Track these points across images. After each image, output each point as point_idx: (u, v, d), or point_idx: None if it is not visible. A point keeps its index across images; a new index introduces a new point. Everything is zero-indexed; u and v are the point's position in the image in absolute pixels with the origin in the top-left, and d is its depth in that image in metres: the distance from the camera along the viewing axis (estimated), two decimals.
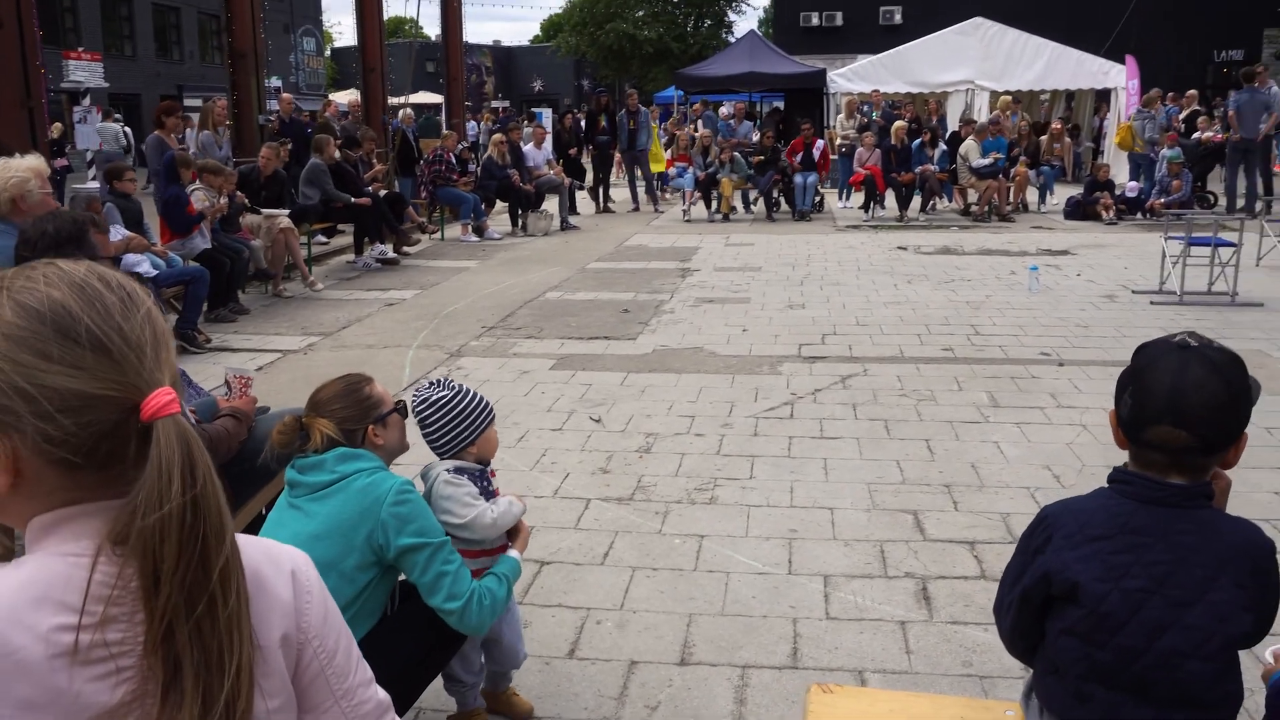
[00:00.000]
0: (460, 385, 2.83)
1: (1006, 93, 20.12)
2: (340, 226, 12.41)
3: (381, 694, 1.30)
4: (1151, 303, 9.07)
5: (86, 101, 25.59)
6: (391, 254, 12.11)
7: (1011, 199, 16.21)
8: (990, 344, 7.54)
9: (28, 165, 4.03)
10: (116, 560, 1.04)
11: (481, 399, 2.83)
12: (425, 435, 2.81)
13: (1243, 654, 1.78)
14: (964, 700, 2.15)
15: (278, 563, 1.19)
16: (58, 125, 24.61)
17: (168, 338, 1.12)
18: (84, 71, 26.70)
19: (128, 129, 25.40)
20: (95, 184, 19.20)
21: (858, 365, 7.00)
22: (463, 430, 2.78)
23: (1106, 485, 1.81)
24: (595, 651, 3.38)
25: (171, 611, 1.02)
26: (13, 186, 3.90)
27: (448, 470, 2.75)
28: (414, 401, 2.80)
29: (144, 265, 7.59)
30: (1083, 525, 1.75)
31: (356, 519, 2.40)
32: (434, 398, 2.77)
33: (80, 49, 29.19)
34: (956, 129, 17.20)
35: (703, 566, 4.00)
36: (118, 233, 7.68)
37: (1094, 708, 1.74)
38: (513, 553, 2.73)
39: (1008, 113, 17.41)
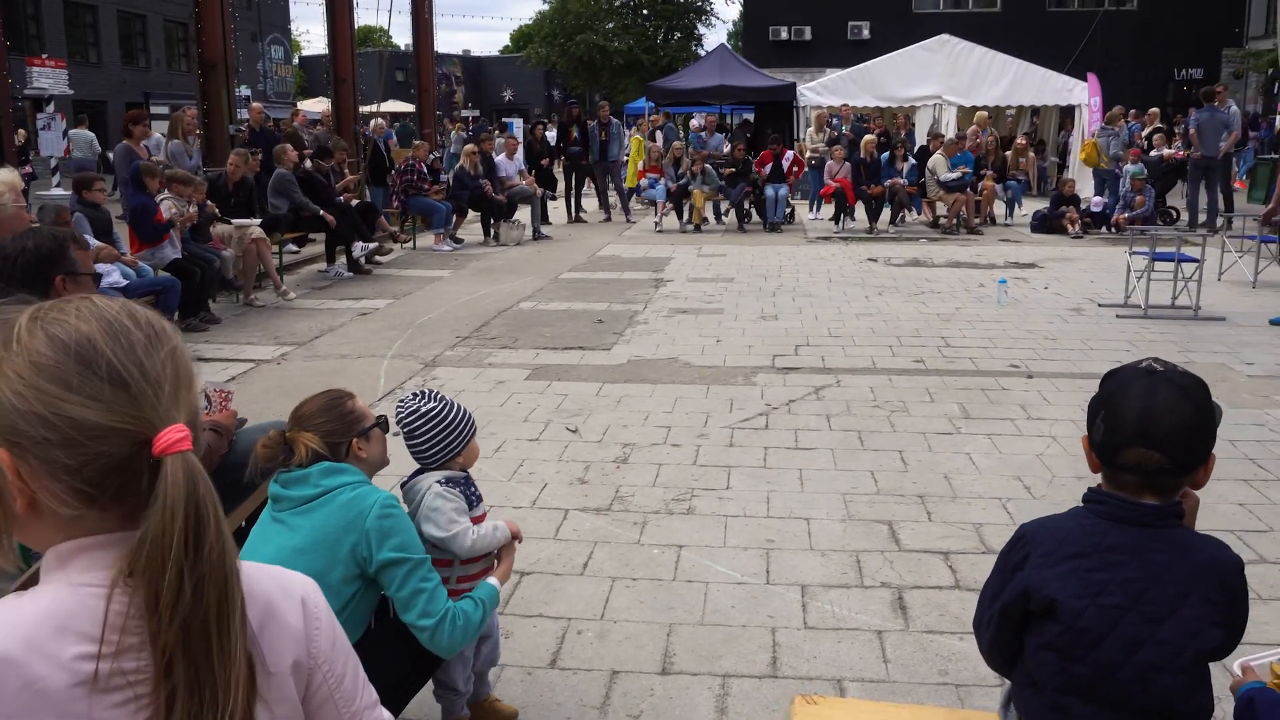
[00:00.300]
0: (443, 396, 2.85)
1: (978, 108, 20.40)
2: (311, 235, 12.36)
3: (386, 716, 1.32)
4: (1117, 316, 9.22)
5: (51, 108, 25.34)
6: (371, 250, 12.02)
7: (979, 212, 16.41)
8: (961, 356, 7.64)
9: (2, 179, 4.00)
10: (130, 590, 1.06)
11: (465, 410, 2.86)
12: (413, 446, 2.82)
13: (1213, 666, 1.83)
14: (944, 711, 2.20)
15: (288, 591, 1.22)
16: (21, 132, 24.33)
17: (190, 376, 1.15)
18: (48, 78, 26.44)
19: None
20: (60, 190, 19.00)
21: (831, 376, 7.07)
22: (451, 441, 2.81)
23: (1081, 505, 1.86)
24: (577, 661, 3.40)
25: (170, 645, 1.04)
26: None
27: (439, 482, 2.77)
28: (400, 413, 2.81)
29: (114, 275, 7.53)
30: (1060, 543, 1.81)
31: (341, 532, 2.41)
32: (422, 409, 2.78)
33: (44, 55, 28.91)
34: (925, 143, 17.39)
35: (681, 576, 4.03)
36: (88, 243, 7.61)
37: (1071, 719, 1.79)
38: (492, 580, 2.72)
39: (981, 128, 17.62)
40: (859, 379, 6.99)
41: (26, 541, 1.11)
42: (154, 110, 29.09)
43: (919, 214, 16.83)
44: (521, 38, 60.57)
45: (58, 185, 20.21)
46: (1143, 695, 1.73)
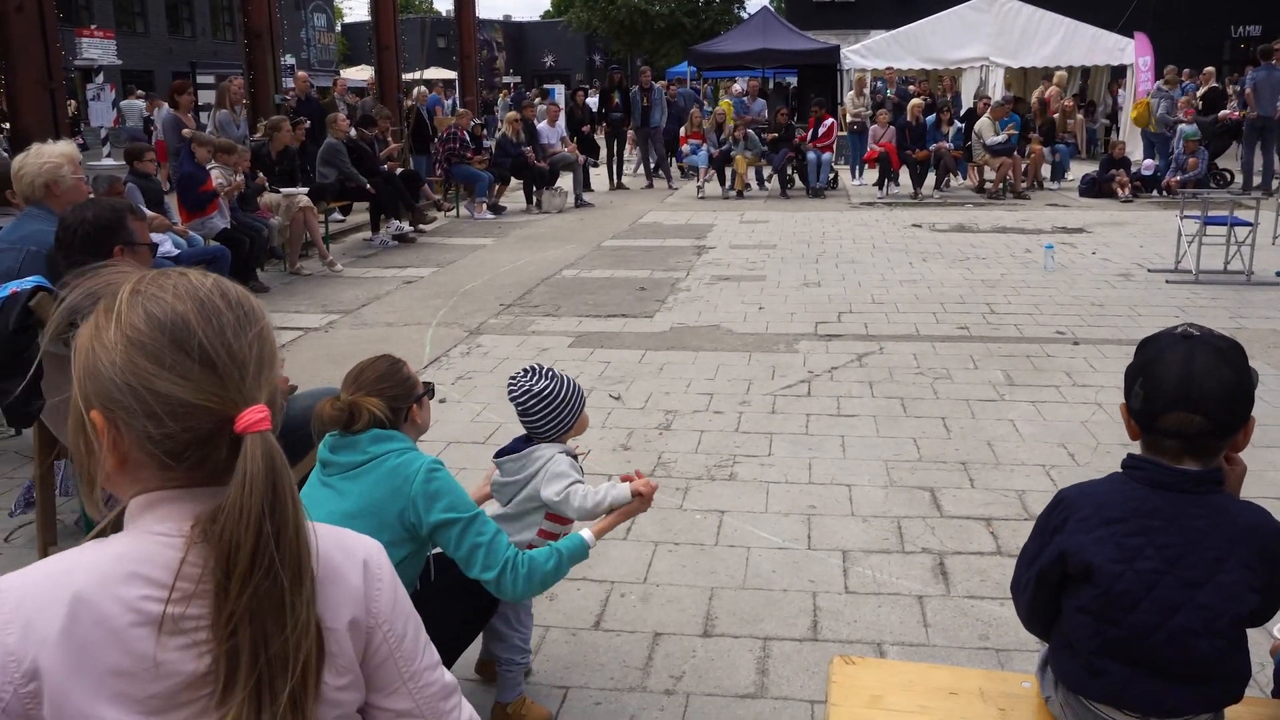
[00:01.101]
0: (553, 372, 2.88)
1: (1026, 69, 20.01)
2: (356, 204, 12.48)
3: (448, 677, 1.36)
4: (1167, 281, 9.08)
5: (100, 79, 25.71)
6: (409, 230, 12.17)
7: (1026, 176, 16.17)
8: (1005, 322, 7.58)
9: (60, 151, 4.09)
10: (202, 543, 1.13)
11: (574, 385, 2.89)
12: (527, 421, 2.85)
13: (1252, 631, 1.85)
14: (982, 672, 2.23)
15: (350, 552, 1.27)
16: (71, 103, 24.71)
17: (274, 357, 1.21)
18: (97, 49, 26.84)
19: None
20: (110, 161, 19.30)
21: (874, 343, 7.06)
22: (564, 417, 2.85)
23: (1120, 470, 1.88)
24: (620, 623, 3.47)
25: (239, 614, 1.10)
26: (46, 172, 3.96)
27: (562, 453, 2.82)
28: (512, 391, 2.84)
29: (166, 245, 7.67)
30: (1099, 508, 1.83)
31: (388, 498, 2.47)
32: (535, 389, 2.82)
33: (93, 26, 29.29)
34: (971, 106, 17.14)
35: (723, 541, 4.08)
36: None
37: (1107, 681, 1.82)
38: (585, 532, 2.68)
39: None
40: (902, 346, 6.97)
41: (114, 491, 1.18)
42: (200, 79, 29.37)
43: (964, 178, 16.63)
44: (562, 2, 60.24)
45: (108, 155, 20.51)
46: (1179, 659, 1.75)
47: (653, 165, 17.84)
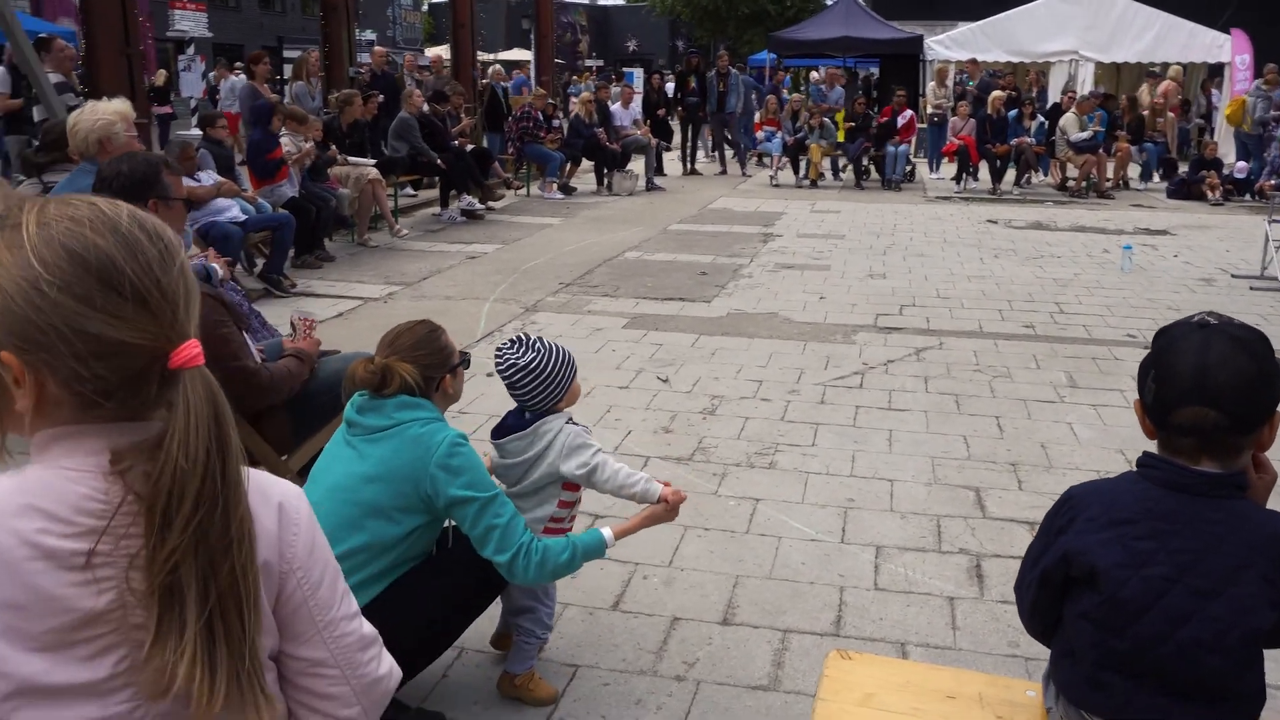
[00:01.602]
0: (539, 343, 2.79)
1: (1118, 64, 19.34)
2: (426, 179, 12.57)
3: (368, 628, 1.32)
4: (1251, 288, 8.71)
5: (190, 50, 26.33)
6: (478, 207, 12.23)
7: (1111, 175, 15.67)
8: (1074, 323, 7.33)
9: (114, 109, 4.15)
10: (111, 479, 1.10)
11: (565, 353, 2.80)
12: (516, 395, 2.78)
13: (1274, 654, 1.72)
14: (986, 677, 2.12)
15: (266, 494, 1.23)
16: (162, 73, 25.33)
17: (196, 291, 1.18)
18: (189, 21, 27.48)
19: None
20: (198, 131, 19.79)
21: (934, 338, 6.88)
22: (552, 389, 2.76)
23: (1134, 469, 1.75)
24: (639, 606, 3.41)
25: (180, 551, 1.08)
26: (100, 129, 4.02)
27: (569, 423, 2.79)
28: (499, 364, 2.76)
29: (233, 210, 7.80)
30: (1107, 508, 1.71)
31: (407, 467, 2.44)
32: (520, 363, 2.71)
33: None
34: (1057, 101, 16.63)
35: (755, 530, 4.00)
36: (210, 178, 7.90)
37: (1110, 695, 1.70)
38: (606, 531, 2.65)
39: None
40: (963, 342, 6.78)
41: (15, 431, 1.14)
42: (286, 54, 29.83)
43: (1046, 175, 16.18)
44: None
45: (196, 125, 20.98)
46: (1186, 673, 1.63)
47: (728, 151, 17.68)
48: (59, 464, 1.10)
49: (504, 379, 2.77)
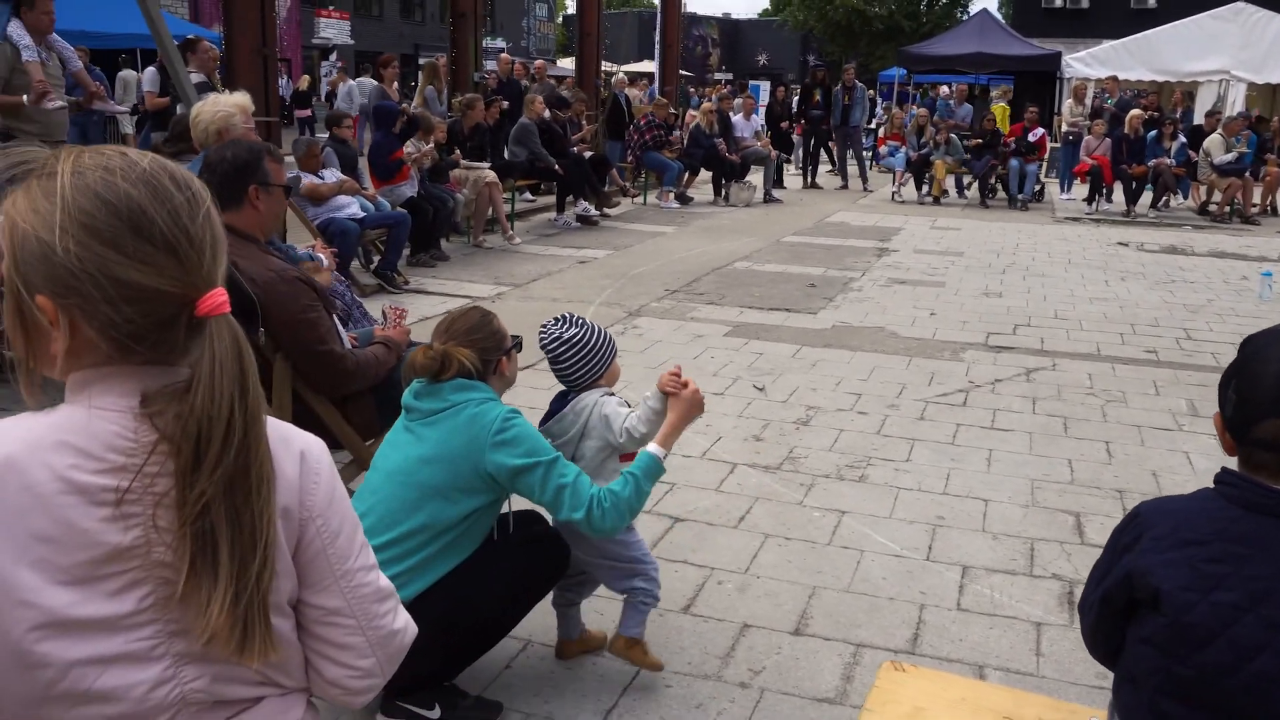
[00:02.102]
0: (584, 320, 2.84)
1: (1274, 85, 18.43)
2: (544, 185, 12.75)
3: (384, 582, 1.34)
4: None
5: (334, 57, 27.36)
6: (593, 213, 12.34)
7: (1259, 200, 14.87)
8: (1201, 349, 6.95)
9: (234, 101, 4.32)
10: (141, 420, 1.13)
11: (606, 332, 2.85)
12: (557, 371, 2.83)
13: None
14: (1049, 701, 2.00)
15: (288, 443, 1.26)
16: (306, 78, 26.41)
17: (223, 239, 1.21)
18: (333, 29, 28.59)
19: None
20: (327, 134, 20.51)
21: (1047, 359, 6.62)
22: (594, 365, 2.81)
23: (1211, 487, 1.63)
24: (711, 610, 3.36)
25: (210, 492, 1.11)
26: (219, 120, 4.19)
27: (604, 394, 2.81)
28: (543, 338, 2.82)
29: (353, 207, 8.04)
30: (1176, 527, 1.58)
31: (464, 448, 2.46)
32: (565, 336, 2.78)
33: (331, 7, 31.18)
34: (1200, 123, 15.86)
35: (837, 542, 3.90)
36: (333, 175, 8.17)
37: None
38: (651, 447, 2.64)
39: None
40: (1077, 364, 6.51)
41: (49, 373, 1.18)
42: (421, 61, 30.81)
43: (1186, 199, 15.45)
44: (781, 1, 59.78)
45: (324, 126, 21.77)
46: (1254, 709, 1.49)
47: (850, 166, 17.42)
48: (92, 404, 1.14)
49: (548, 354, 2.81)
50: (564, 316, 2.84)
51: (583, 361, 2.79)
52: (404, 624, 1.37)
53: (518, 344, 2.73)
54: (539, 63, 14.78)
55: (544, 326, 2.84)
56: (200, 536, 1.12)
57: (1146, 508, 1.68)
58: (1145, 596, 1.59)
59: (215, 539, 1.12)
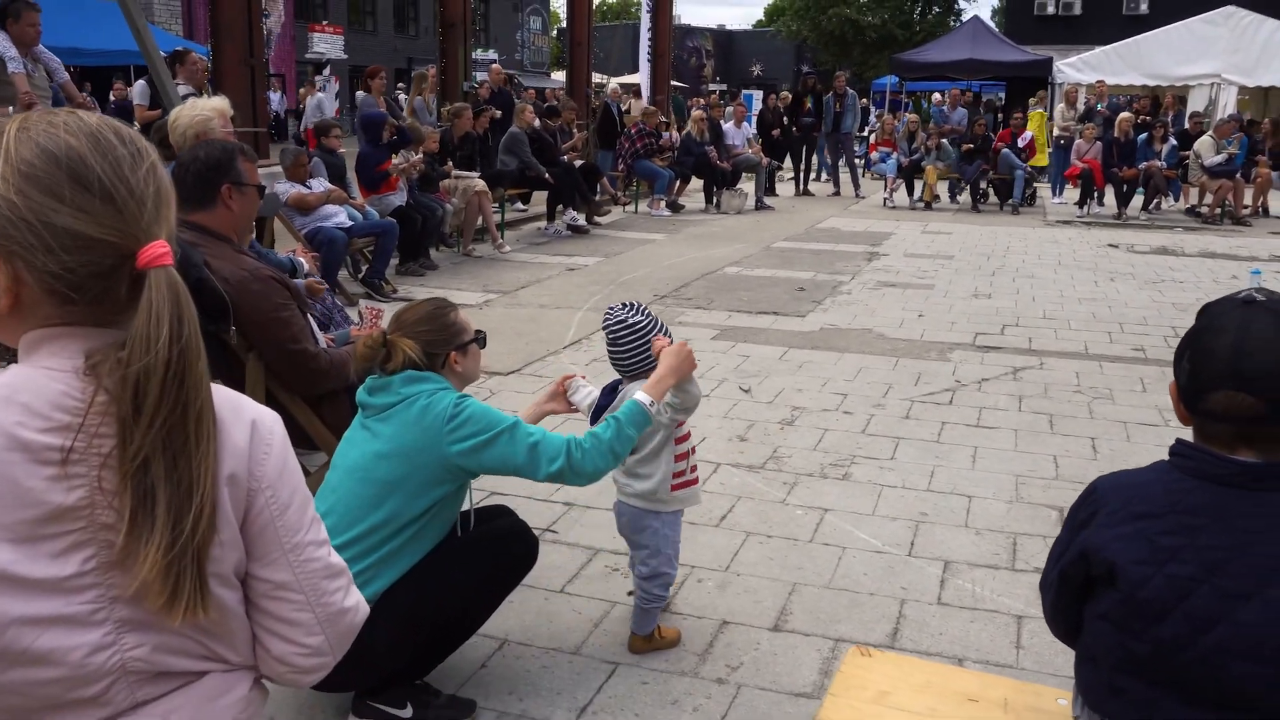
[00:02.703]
0: (649, 310, 2.91)
1: (1265, 89, 18.47)
2: (537, 195, 12.75)
3: (335, 559, 1.32)
4: None
5: (327, 72, 27.39)
6: (582, 222, 12.34)
7: (1249, 202, 14.90)
8: None
9: (213, 105, 4.31)
10: (86, 378, 1.13)
11: (666, 329, 2.93)
12: (615, 354, 2.89)
13: None
14: (1014, 683, 1.98)
15: (239, 411, 1.25)
16: (302, 92, 26.42)
17: (169, 195, 1.21)
18: (326, 44, 28.64)
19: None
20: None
21: (1035, 358, 6.61)
22: (651, 355, 2.83)
23: (1165, 459, 1.61)
24: (690, 608, 3.34)
25: (149, 445, 1.11)
26: (197, 124, 4.17)
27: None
28: (607, 321, 2.89)
29: (341, 216, 8.03)
30: (1129, 501, 1.57)
31: (421, 442, 2.42)
32: (630, 321, 2.85)
33: (324, 22, 31.26)
34: (1185, 127, 15.88)
35: (819, 539, 3.88)
36: (321, 185, 8.17)
37: (1128, 703, 1.55)
38: (638, 394, 2.66)
39: None
40: (1065, 363, 6.50)
41: (2, 337, 1.19)
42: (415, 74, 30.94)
43: (1177, 200, 15.47)
44: (775, 11, 59.93)
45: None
46: (1211, 683, 1.47)
47: (842, 173, 17.44)
48: (41, 364, 1.15)
49: (610, 335, 2.87)
50: (630, 303, 2.91)
51: (641, 348, 2.84)
52: (355, 603, 1.35)
53: (480, 339, 2.69)
54: (496, 68, 14.64)
55: (610, 310, 2.91)
56: (139, 491, 1.11)
57: (1102, 483, 1.66)
58: (1101, 572, 1.57)
59: (154, 493, 1.11)
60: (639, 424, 2.61)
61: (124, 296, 1.15)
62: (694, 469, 3.00)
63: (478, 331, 2.69)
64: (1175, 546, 1.50)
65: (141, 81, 10.42)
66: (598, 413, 2.92)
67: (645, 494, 2.92)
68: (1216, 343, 1.50)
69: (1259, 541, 1.47)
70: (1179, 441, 1.61)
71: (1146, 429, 5.24)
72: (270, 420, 1.28)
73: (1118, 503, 1.59)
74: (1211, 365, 1.50)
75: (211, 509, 1.15)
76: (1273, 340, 1.45)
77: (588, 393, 3.06)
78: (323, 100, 12.15)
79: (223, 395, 1.24)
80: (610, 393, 2.95)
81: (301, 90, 15.61)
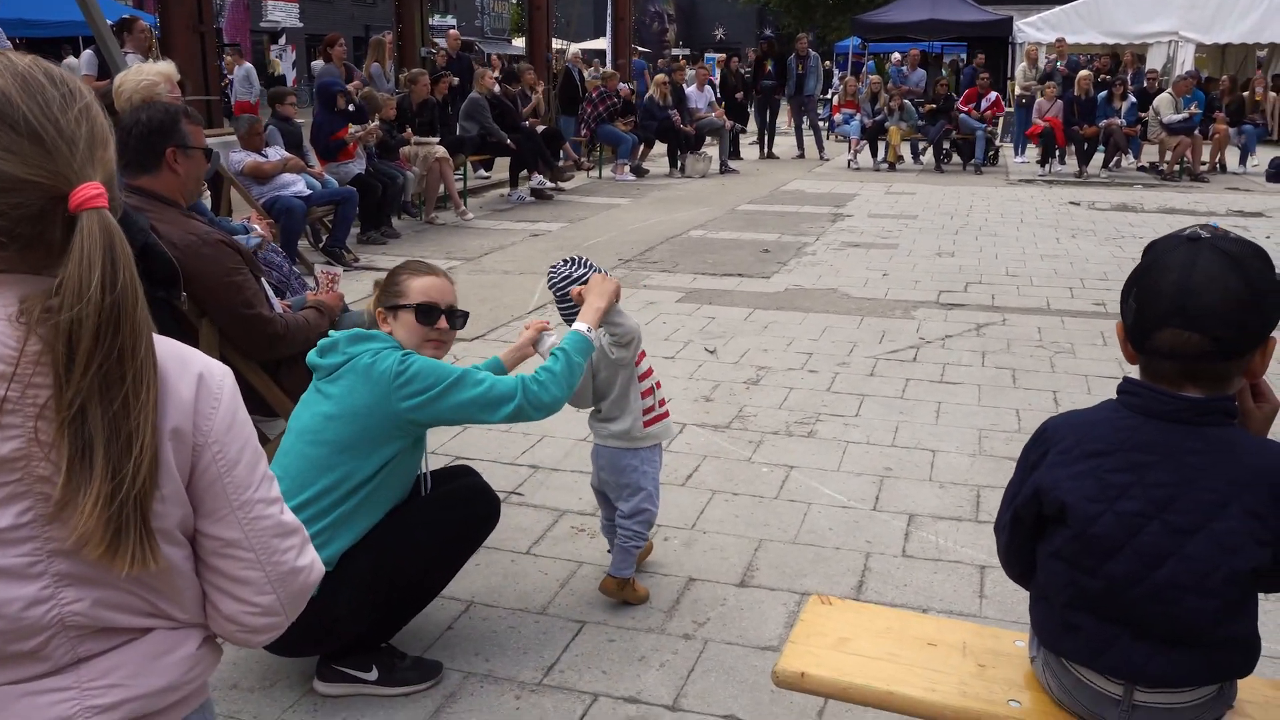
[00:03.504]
0: (590, 262, 2.95)
1: (1220, 45, 18.59)
2: (499, 161, 12.63)
3: (288, 517, 1.30)
4: None
5: (283, 40, 26.96)
6: (547, 187, 12.23)
7: (1207, 158, 15.03)
8: None
9: (158, 70, 4.21)
10: (19, 326, 1.10)
11: (607, 272, 2.97)
12: (564, 309, 2.93)
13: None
14: (973, 627, 1.99)
15: (186, 364, 1.22)
16: (229, 60, 25.94)
17: (105, 136, 1.17)
18: (281, 12, 28.14)
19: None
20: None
21: (997, 314, 6.65)
22: None
23: (1114, 397, 1.62)
24: (656, 566, 3.34)
25: (85, 393, 1.08)
26: (143, 89, 4.08)
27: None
28: (552, 278, 2.93)
29: (299, 185, 7.91)
30: (1080, 440, 1.57)
31: (369, 400, 2.38)
32: (575, 274, 2.90)
33: None
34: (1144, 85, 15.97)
35: (785, 496, 3.89)
36: (277, 153, 8.03)
37: (1082, 639, 1.56)
38: (578, 325, 2.72)
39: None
40: (1027, 319, 6.54)
41: None
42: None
43: (1136, 158, 15.57)
44: None
45: (267, 103, 21.44)
46: (1162, 617, 1.49)
47: (806, 135, 17.39)
48: None
49: (556, 291, 2.92)
50: (572, 258, 2.95)
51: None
52: (309, 562, 1.31)
53: (418, 310, 2.55)
54: (454, 33, 14.36)
55: (553, 267, 2.94)
56: (76, 441, 1.08)
57: (1053, 423, 1.67)
58: (1053, 511, 1.58)
59: (92, 444, 1.09)
60: (584, 350, 2.67)
61: (59, 242, 1.12)
62: (662, 403, 3.09)
63: (421, 304, 2.55)
64: (1124, 484, 1.51)
65: (89, 51, 10.17)
66: None
67: (621, 434, 2.99)
68: (1162, 281, 1.50)
69: (1204, 476, 1.48)
70: (1126, 380, 1.62)
71: (1108, 381, 5.28)
72: (219, 373, 1.24)
73: (1070, 441, 1.59)
74: (1157, 303, 1.49)
75: (152, 459, 1.12)
76: (1217, 277, 1.45)
77: (551, 342, 3.07)
78: (250, 71, 11.93)
79: (168, 347, 1.21)
80: None
81: (228, 59, 14.96)
